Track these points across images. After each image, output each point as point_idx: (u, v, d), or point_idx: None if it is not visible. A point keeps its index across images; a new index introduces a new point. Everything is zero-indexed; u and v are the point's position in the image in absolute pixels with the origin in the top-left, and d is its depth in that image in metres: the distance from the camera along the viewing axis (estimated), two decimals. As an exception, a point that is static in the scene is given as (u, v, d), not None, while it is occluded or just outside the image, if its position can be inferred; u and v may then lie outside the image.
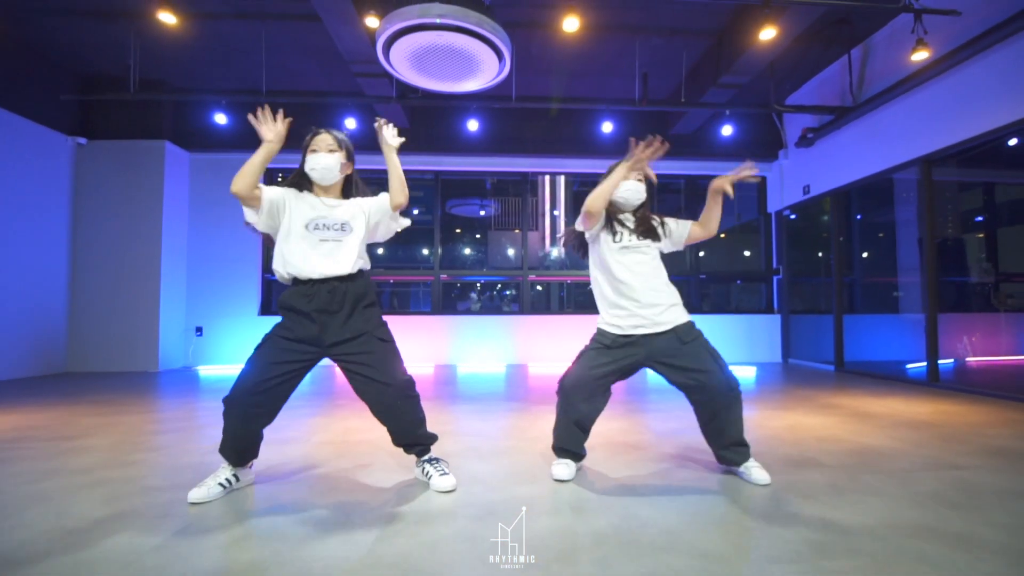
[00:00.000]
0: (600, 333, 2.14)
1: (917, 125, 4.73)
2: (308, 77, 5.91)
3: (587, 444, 2.20)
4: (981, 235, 7.44)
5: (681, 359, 2.00)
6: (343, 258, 1.96)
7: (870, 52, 5.31)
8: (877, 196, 6.81)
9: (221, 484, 1.90)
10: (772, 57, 4.75)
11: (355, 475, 2.13)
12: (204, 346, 6.47)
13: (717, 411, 2.01)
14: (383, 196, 2.04)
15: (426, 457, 2.07)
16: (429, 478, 2.00)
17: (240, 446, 1.94)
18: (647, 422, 3.12)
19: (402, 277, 9.05)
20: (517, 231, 8.16)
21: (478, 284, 8.97)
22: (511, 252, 9.90)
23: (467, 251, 10.65)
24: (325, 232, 1.95)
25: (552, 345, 6.56)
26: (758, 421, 3.12)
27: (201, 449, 2.52)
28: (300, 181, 2.02)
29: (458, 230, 10.38)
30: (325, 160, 1.96)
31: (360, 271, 2.00)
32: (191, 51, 5.43)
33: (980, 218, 7.52)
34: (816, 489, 1.94)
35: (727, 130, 6.10)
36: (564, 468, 2.07)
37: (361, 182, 2.13)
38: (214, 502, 1.83)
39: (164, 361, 6.09)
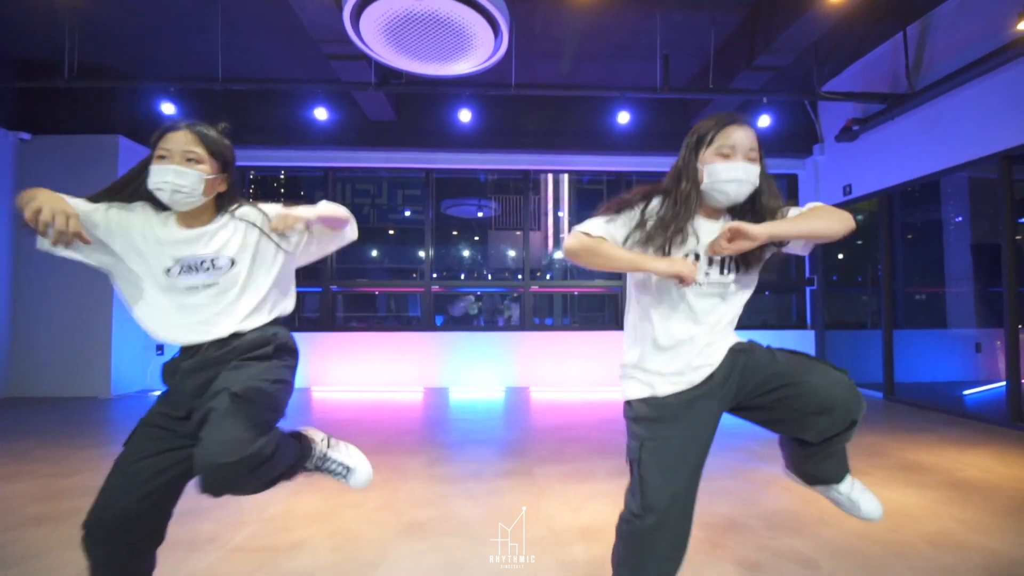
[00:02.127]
0: (645, 404, 1.27)
1: (994, 114, 3.96)
2: (275, 61, 5.15)
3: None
4: (1018, 237, 6.68)
5: (768, 376, 1.28)
6: (226, 313, 1.26)
7: (930, 28, 4.52)
8: (920, 198, 6.05)
9: None
10: (824, 30, 3.98)
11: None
12: (166, 366, 5.75)
13: (827, 431, 1.28)
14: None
15: (315, 465, 1.41)
16: (340, 478, 1.45)
17: None
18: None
19: (388, 289, 8.29)
20: (518, 232, 7.41)
21: (477, 293, 8.23)
22: (511, 254, 9.17)
23: (465, 253, 9.93)
24: (193, 276, 1.25)
25: (556, 366, 5.81)
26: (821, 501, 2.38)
27: (79, 563, 1.79)
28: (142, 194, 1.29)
29: (454, 232, 9.65)
30: (179, 178, 1.21)
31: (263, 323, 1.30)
32: (139, 32, 4.68)
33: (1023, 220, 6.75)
34: None
35: (765, 120, 5.31)
36: None
37: (241, 198, 1.37)
38: None
39: (118, 384, 5.37)
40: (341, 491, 2.38)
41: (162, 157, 1.22)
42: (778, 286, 6.80)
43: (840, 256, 6.61)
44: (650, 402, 1.25)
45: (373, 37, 3.40)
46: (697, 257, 1.26)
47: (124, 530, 1.19)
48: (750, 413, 1.35)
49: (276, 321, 1.37)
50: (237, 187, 1.36)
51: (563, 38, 4.76)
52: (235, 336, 1.27)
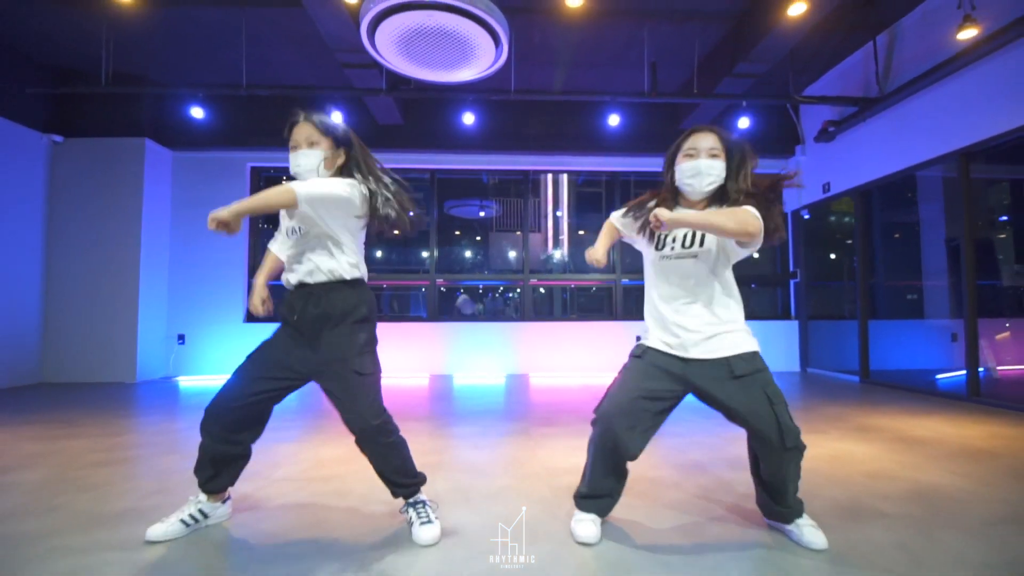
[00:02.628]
0: (644, 348, 1.70)
1: (954, 115, 4.33)
2: (293, 69, 5.54)
3: None
4: (1002, 235, 7.02)
5: (731, 396, 1.57)
6: (307, 261, 1.66)
7: (897, 38, 4.90)
8: (898, 195, 6.40)
9: (183, 521, 1.66)
10: (795, 42, 4.36)
11: (315, 530, 1.74)
12: (186, 355, 6.11)
13: (768, 463, 1.59)
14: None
15: (412, 500, 1.74)
16: (411, 525, 1.68)
17: (217, 466, 1.69)
18: (663, 451, 2.73)
19: (396, 282, 8.65)
20: (518, 233, 7.76)
21: (479, 288, 8.58)
22: (512, 254, 9.52)
23: (467, 253, 10.28)
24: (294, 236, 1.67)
25: (555, 354, 6.17)
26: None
27: (143, 489, 2.15)
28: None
29: (457, 232, 10.01)
30: (305, 159, 1.64)
31: (341, 280, 1.65)
32: (168, 43, 5.08)
33: (1004, 217, 7.10)
34: (883, 553, 1.54)
35: (744, 123, 5.69)
36: (590, 527, 1.64)
37: (367, 163, 1.72)
38: (172, 542, 1.62)
39: (143, 371, 5.72)
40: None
41: (294, 148, 1.64)
42: (764, 279, 7.16)
43: (822, 252, 6.96)
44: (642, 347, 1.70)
45: (386, 48, 3.78)
46: (675, 239, 1.64)
47: (229, 413, 1.63)
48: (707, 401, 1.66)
49: (344, 282, 1.75)
50: (359, 156, 1.71)
51: (559, 48, 5.15)
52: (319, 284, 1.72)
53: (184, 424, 3.50)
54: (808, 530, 1.60)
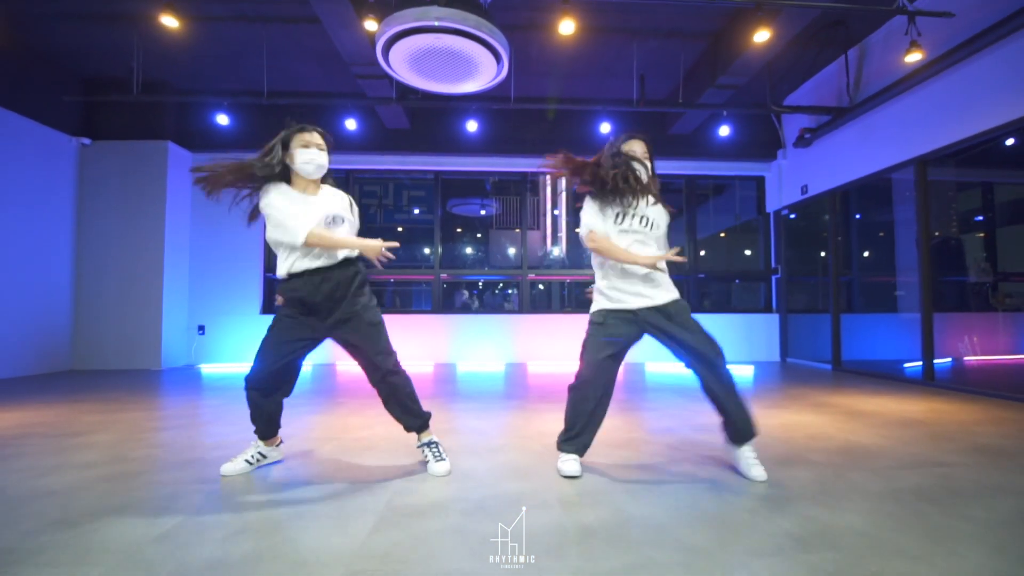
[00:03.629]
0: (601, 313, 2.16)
1: (912, 126, 4.76)
2: (309, 79, 5.96)
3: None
4: (980, 234, 7.47)
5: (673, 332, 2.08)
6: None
7: (866, 53, 5.33)
8: (876, 196, 6.84)
9: (247, 460, 2.12)
10: (768, 58, 4.79)
11: (350, 470, 2.18)
12: (206, 344, 6.54)
13: (708, 373, 2.06)
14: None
15: (426, 440, 2.19)
16: (426, 461, 2.15)
17: (266, 417, 2.12)
18: (640, 420, 3.17)
19: (403, 276, 9.09)
20: (517, 230, 8.18)
21: (479, 283, 9.01)
22: (512, 251, 9.94)
23: (468, 250, 10.71)
24: (332, 225, 2.07)
25: (551, 344, 6.61)
26: (751, 419, 3.16)
27: (204, 445, 2.58)
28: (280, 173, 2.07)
29: (459, 229, 10.43)
30: (322, 158, 2.05)
31: (348, 259, 2.10)
32: (193, 54, 5.49)
33: (979, 218, 7.54)
34: (802, 486, 1.98)
35: (724, 131, 6.12)
36: (574, 464, 2.10)
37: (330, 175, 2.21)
38: (240, 477, 2.08)
39: (167, 359, 6.15)
40: (364, 426, 3.18)
41: (307, 146, 2.04)
42: (748, 275, 7.59)
43: (803, 250, 7.40)
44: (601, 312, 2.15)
45: (398, 64, 4.20)
46: (633, 218, 2.16)
47: (267, 380, 2.04)
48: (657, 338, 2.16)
49: (349, 260, 2.16)
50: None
51: (555, 61, 5.57)
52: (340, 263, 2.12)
53: (221, 400, 3.93)
54: (753, 467, 2.06)
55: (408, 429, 2.19)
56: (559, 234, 10.43)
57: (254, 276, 6.65)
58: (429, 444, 2.17)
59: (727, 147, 6.69)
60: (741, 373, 5.64)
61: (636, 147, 2.19)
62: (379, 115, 6.24)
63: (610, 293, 2.15)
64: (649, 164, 2.19)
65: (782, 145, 6.74)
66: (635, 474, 2.14)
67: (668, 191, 7.46)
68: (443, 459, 2.13)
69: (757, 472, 2.04)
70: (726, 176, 7.22)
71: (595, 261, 2.22)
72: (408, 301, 9.76)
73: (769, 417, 3.24)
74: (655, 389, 4.35)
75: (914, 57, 4.14)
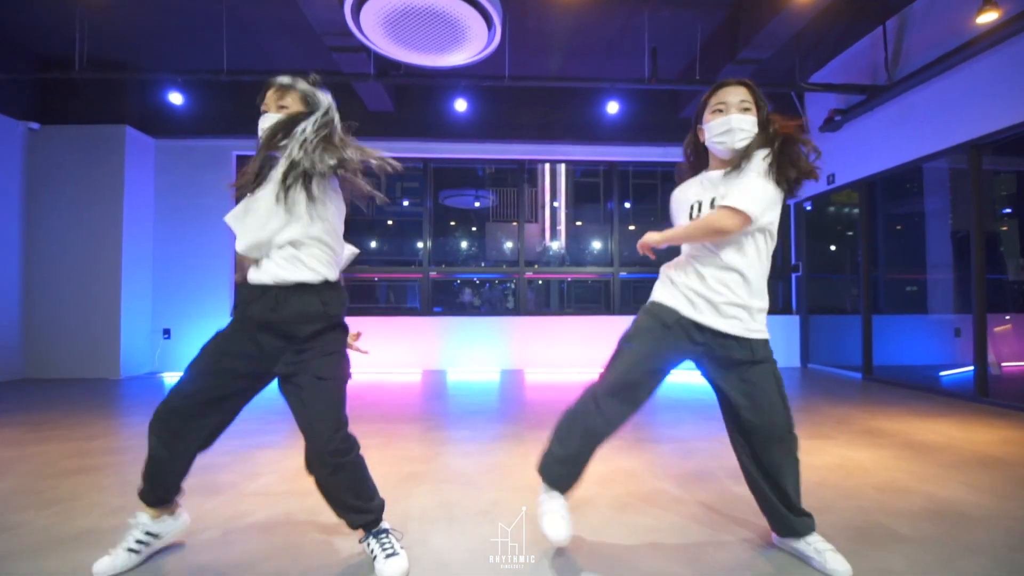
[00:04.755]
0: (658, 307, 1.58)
1: (964, 105, 4.16)
2: (280, 54, 5.33)
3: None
4: (1004, 228, 6.90)
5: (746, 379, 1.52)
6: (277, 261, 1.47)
7: (908, 22, 4.72)
8: (902, 187, 6.26)
9: (131, 549, 1.49)
10: (800, 26, 4.17)
11: (301, 535, 1.61)
12: (172, 350, 5.95)
13: (771, 456, 1.53)
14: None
15: (373, 529, 1.55)
16: (373, 557, 1.50)
17: (166, 473, 1.52)
18: (660, 459, 2.60)
19: (388, 275, 8.49)
20: (515, 223, 7.60)
21: (475, 281, 8.42)
22: (508, 245, 9.36)
23: (463, 244, 10.10)
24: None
25: (551, 349, 6.03)
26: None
27: (105, 505, 2.00)
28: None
29: (452, 223, 9.83)
30: (267, 120, 1.48)
31: (309, 283, 1.46)
32: (148, 28, 4.86)
33: (1007, 210, 6.98)
34: (905, 586, 1.42)
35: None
36: (560, 522, 1.49)
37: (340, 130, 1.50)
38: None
39: (127, 367, 5.57)
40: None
41: (265, 112, 1.48)
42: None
43: (825, 244, 6.82)
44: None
45: (373, 30, 3.59)
46: (700, 206, 1.54)
47: (183, 411, 1.46)
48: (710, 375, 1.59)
49: (328, 283, 1.60)
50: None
51: (555, 33, 4.94)
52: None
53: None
54: (830, 556, 1.48)
55: (352, 527, 1.55)
56: (558, 227, 9.83)
57: (224, 275, 6.05)
58: (377, 535, 1.53)
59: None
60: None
61: (730, 95, 1.49)
62: (360, 96, 5.61)
63: (672, 274, 1.62)
64: (754, 114, 1.49)
65: (805, 130, 6.11)
66: (669, 561, 1.57)
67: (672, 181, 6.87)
68: (396, 553, 1.49)
69: (836, 563, 1.46)
70: (741, 164, 6.61)
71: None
72: (403, 296, 9.17)
73: (816, 453, 2.67)
74: (668, 407, 3.76)
75: (988, 17, 3.52)
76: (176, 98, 5.17)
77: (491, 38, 3.63)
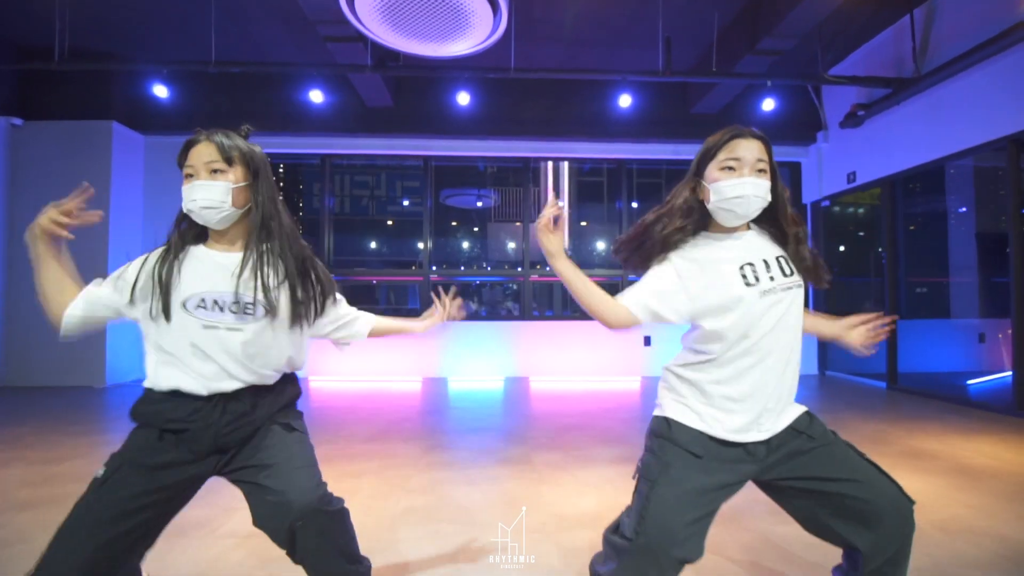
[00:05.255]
0: (682, 431, 1.14)
1: (1002, 98, 3.89)
2: (270, 44, 5.05)
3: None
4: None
5: (814, 467, 1.15)
6: (244, 361, 1.15)
7: (936, 12, 4.44)
8: (922, 185, 5.99)
9: None
10: (825, 14, 3.90)
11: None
12: (162, 356, 5.69)
13: (890, 545, 1.13)
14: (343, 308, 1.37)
15: None
16: None
17: None
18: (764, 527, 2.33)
19: (387, 278, 8.23)
20: (518, 224, 7.34)
21: (474, 284, 8.16)
22: (511, 246, 9.09)
23: (464, 245, 9.85)
24: (215, 314, 1.14)
25: (556, 356, 5.76)
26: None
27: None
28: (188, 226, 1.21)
29: (454, 223, 9.58)
30: (207, 191, 1.13)
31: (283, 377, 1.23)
32: (132, 15, 4.59)
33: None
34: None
35: (769, 104, 5.23)
36: None
37: (283, 213, 1.23)
38: None
39: (113, 374, 5.31)
40: (337, 479, 2.34)
41: (189, 176, 1.15)
42: (780, 276, 6.74)
43: (842, 248, 6.56)
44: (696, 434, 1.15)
45: (369, 15, 3.32)
46: (768, 268, 1.18)
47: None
48: (779, 494, 1.22)
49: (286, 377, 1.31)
50: (271, 195, 1.22)
51: (563, 22, 4.67)
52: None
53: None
54: None
55: None
56: (564, 228, 9.56)
57: (217, 277, 5.78)
58: None
59: (759, 128, 5.78)
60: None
61: (746, 151, 1.15)
62: (358, 91, 5.34)
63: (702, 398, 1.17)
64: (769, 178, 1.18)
65: (823, 126, 5.86)
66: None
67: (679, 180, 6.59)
68: None
69: None
70: (755, 162, 6.34)
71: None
72: (403, 297, 8.92)
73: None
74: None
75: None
76: (161, 91, 4.91)
77: (496, 24, 3.35)
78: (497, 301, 8.21)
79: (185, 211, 1.16)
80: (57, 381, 5.19)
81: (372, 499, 2.19)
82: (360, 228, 11.14)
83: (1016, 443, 3.06)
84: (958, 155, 4.31)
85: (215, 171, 1.14)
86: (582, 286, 1.18)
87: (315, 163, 6.09)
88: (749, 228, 1.24)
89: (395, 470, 2.59)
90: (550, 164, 8.31)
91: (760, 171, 1.15)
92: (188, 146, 1.16)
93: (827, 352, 6.01)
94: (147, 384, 1.16)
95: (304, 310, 1.20)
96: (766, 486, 1.21)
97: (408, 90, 5.68)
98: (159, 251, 1.19)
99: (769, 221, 1.23)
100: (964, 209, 6.06)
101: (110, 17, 4.62)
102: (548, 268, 7.62)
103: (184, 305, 1.12)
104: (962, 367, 5.61)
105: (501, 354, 5.76)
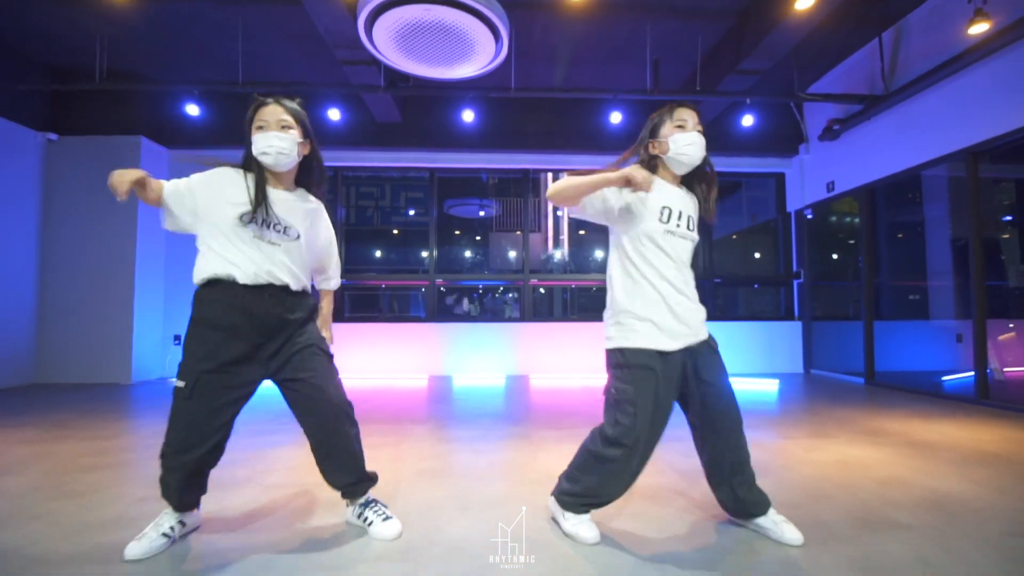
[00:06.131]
0: (639, 354, 1.58)
1: (961, 113, 4.26)
2: (291, 67, 5.47)
3: None
4: (1006, 235, 6.96)
5: (707, 371, 1.64)
6: (284, 266, 1.56)
7: (904, 34, 4.83)
8: (902, 194, 6.33)
9: (165, 534, 1.58)
10: (802, 36, 4.28)
11: (309, 521, 1.67)
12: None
13: (733, 439, 1.64)
14: (332, 249, 1.84)
15: (362, 500, 1.72)
16: (369, 524, 1.66)
17: (186, 496, 1.61)
18: (666, 456, 2.65)
19: (395, 282, 8.59)
20: (518, 232, 7.69)
21: (479, 288, 8.51)
22: (512, 254, 9.45)
23: (467, 253, 10.20)
24: (264, 231, 1.55)
25: (555, 355, 6.09)
26: (798, 454, 2.65)
27: (128, 496, 2.07)
28: (249, 164, 1.61)
29: (457, 232, 9.93)
30: (279, 142, 1.54)
31: (304, 290, 1.64)
32: (164, 40, 5.01)
33: (1008, 217, 7.04)
34: (905, 567, 1.47)
35: (748, 120, 5.61)
36: (592, 529, 1.64)
37: (321, 166, 1.73)
38: (152, 559, 1.52)
39: (138, 372, 5.65)
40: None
41: (261, 128, 1.55)
42: (767, 280, 7.08)
43: (827, 252, 6.89)
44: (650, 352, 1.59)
45: (384, 43, 3.71)
46: (679, 218, 1.65)
47: (191, 460, 1.54)
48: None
49: (305, 292, 1.74)
50: (317, 153, 1.71)
51: (560, 44, 5.07)
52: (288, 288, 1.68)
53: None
54: (785, 526, 1.62)
55: (354, 495, 1.71)
56: (561, 237, 9.93)
57: (235, 282, 6.14)
58: (368, 504, 1.70)
59: (744, 141, 6.17)
60: (765, 387, 5.14)
61: (689, 116, 1.67)
62: (368, 108, 5.74)
63: (645, 310, 1.60)
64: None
65: (804, 139, 6.24)
66: (672, 543, 1.62)
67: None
68: (391, 517, 1.68)
69: (792, 534, 1.59)
70: (743, 173, 6.71)
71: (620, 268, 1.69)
72: (405, 306, 9.25)
73: (817, 451, 2.72)
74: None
75: (979, 28, 3.63)
76: (192, 109, 5.31)
77: (498, 50, 3.74)
78: (499, 309, 8.56)
79: (256, 154, 1.55)
80: (86, 378, 5.52)
81: (390, 463, 2.52)
82: (367, 238, 11.50)
83: (968, 425, 3.37)
84: (924, 166, 4.67)
85: (285, 127, 1.55)
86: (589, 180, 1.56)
87: (329, 175, 6.48)
88: (681, 186, 1.72)
89: (408, 444, 2.91)
90: (550, 175, 8.69)
91: (699, 131, 1.65)
92: (259, 106, 1.57)
93: (811, 353, 6.32)
94: (203, 277, 1.53)
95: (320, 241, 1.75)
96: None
97: (415, 107, 6.08)
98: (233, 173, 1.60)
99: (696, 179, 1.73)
100: (939, 216, 6.40)
101: (142, 40, 5.02)
102: (547, 272, 7.97)
103: (241, 218, 1.53)
104: (940, 366, 5.90)
105: (503, 353, 6.10)
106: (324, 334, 1.73)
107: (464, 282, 7.70)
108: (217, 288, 1.52)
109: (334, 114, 5.54)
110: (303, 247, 1.64)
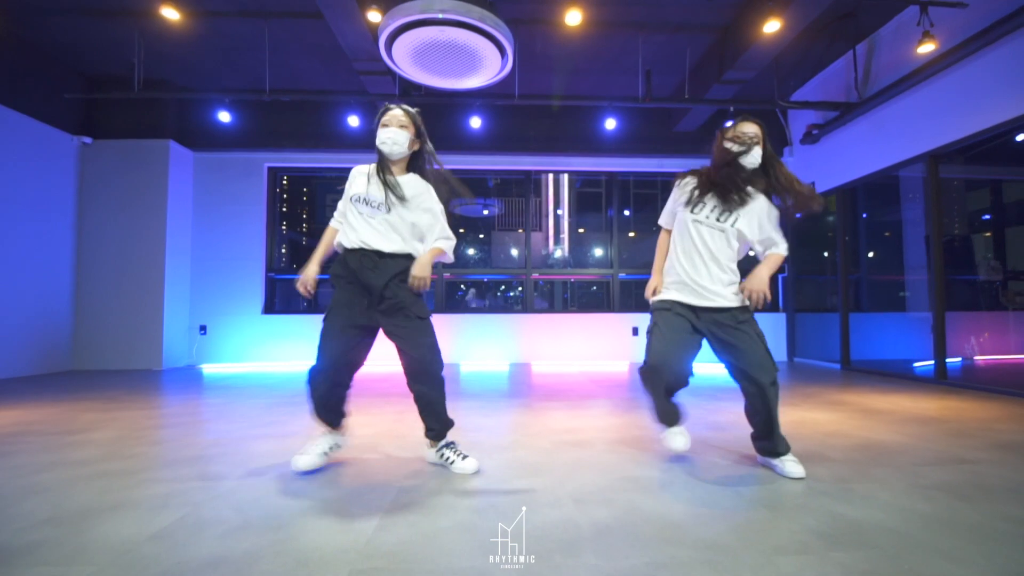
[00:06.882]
0: (663, 303, 2.12)
1: (922, 120, 4.69)
2: (311, 75, 5.91)
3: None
4: (988, 233, 7.39)
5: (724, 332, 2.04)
6: (381, 234, 2.02)
7: (875, 47, 5.27)
8: (884, 195, 6.76)
9: (325, 453, 2.08)
10: (777, 52, 4.72)
11: (354, 467, 2.11)
12: (208, 345, 6.48)
13: (762, 399, 2.05)
14: (439, 223, 2.14)
15: (444, 442, 2.14)
16: (450, 463, 2.08)
17: (333, 409, 2.09)
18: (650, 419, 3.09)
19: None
20: (521, 231, 8.14)
21: (484, 281, 8.93)
22: (515, 252, 9.88)
23: (471, 251, 10.64)
24: (365, 207, 2.03)
25: (556, 343, 6.53)
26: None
27: (203, 443, 2.51)
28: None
29: (461, 230, 10.37)
30: (395, 134, 2.03)
31: (401, 254, 2.04)
32: (195, 50, 5.44)
33: (987, 216, 7.47)
34: (823, 483, 1.90)
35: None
36: (679, 438, 2.10)
37: (433, 154, 2.21)
38: (222, 487, 1.85)
39: (168, 359, 6.09)
40: (380, 413, 3.11)
41: (386, 125, 2.05)
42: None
43: (812, 249, 7.32)
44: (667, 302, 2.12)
45: (401, 59, 4.14)
46: (713, 209, 2.16)
47: (333, 373, 2.01)
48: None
49: (408, 256, 2.13)
50: (427, 148, 2.20)
51: (560, 56, 5.51)
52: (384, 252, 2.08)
53: (222, 400, 3.86)
54: (790, 464, 2.01)
55: (438, 437, 2.14)
56: (562, 235, 10.37)
57: (256, 276, 6.59)
58: (448, 446, 2.13)
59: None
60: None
61: (743, 126, 2.12)
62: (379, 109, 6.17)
63: (671, 277, 2.16)
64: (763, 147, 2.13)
65: (789, 142, 6.67)
66: (648, 471, 2.06)
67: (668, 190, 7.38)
68: (468, 456, 2.11)
69: (795, 469, 2.00)
70: (732, 174, 7.13)
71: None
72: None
73: (782, 415, 3.14)
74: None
75: (927, 48, 4.07)
76: (224, 116, 5.73)
77: (504, 65, 4.17)
78: (503, 307, 8.98)
79: (377, 144, 2.06)
80: (119, 365, 5.97)
81: (413, 426, 2.95)
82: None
83: (921, 398, 3.80)
84: (893, 168, 5.10)
85: (402, 126, 2.06)
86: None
87: (344, 176, 6.91)
88: (742, 188, 2.18)
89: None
90: (551, 176, 9.14)
91: (755, 143, 2.11)
92: (385, 110, 2.09)
93: (795, 342, 6.75)
94: (344, 246, 2.05)
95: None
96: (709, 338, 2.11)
97: (426, 113, 6.44)
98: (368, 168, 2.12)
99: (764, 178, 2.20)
100: (916, 215, 6.83)
101: (175, 51, 5.46)
102: (547, 268, 8.38)
103: (355, 199, 2.05)
104: (915, 355, 6.34)
105: (506, 342, 6.54)
106: (413, 271, 2.06)
107: (471, 275, 8.14)
108: (346, 253, 2.05)
109: (353, 120, 5.96)
110: (396, 219, 2.04)
